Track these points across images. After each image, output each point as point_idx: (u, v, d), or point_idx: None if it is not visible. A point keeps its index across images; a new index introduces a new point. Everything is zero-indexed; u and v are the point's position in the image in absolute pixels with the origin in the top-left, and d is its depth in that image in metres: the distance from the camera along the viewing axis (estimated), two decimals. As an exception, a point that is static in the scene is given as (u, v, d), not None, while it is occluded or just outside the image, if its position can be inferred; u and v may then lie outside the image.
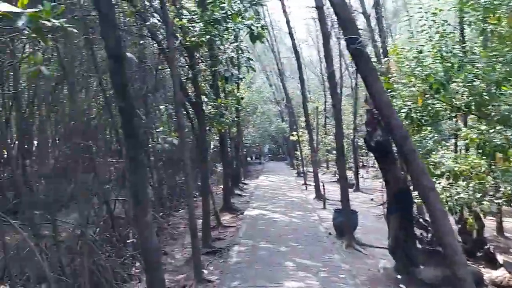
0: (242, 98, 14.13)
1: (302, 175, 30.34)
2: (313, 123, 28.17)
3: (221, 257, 10.35)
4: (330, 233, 12.37)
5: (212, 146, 30.45)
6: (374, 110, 8.25)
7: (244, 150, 35.28)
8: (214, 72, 12.48)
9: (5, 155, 14.86)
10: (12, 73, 14.03)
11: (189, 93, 12.20)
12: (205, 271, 9.17)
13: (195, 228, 8.65)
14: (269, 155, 56.87)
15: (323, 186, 17.97)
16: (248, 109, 30.61)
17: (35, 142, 18.45)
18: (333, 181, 29.12)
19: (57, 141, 18.32)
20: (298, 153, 31.82)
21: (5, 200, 13.59)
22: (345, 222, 11.20)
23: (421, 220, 9.00)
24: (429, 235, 8.65)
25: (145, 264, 6.46)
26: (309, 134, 21.48)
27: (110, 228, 11.36)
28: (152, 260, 6.14)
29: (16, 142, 16.39)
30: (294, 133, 30.84)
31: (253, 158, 51.57)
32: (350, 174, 29.18)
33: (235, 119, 18.39)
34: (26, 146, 17.06)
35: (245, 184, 27.60)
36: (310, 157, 21.69)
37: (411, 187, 8.23)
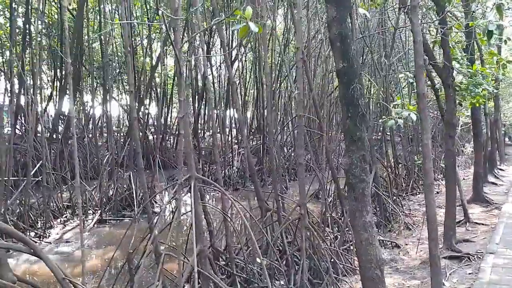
0: (509, 62, 10.72)
1: None
2: None
3: (469, 266, 8.03)
4: None
5: (460, 123, 26.35)
6: None
7: (503, 129, 29.35)
8: (470, 30, 9.74)
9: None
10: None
11: (435, 58, 9.92)
12: (447, 284, 7.14)
13: (435, 229, 6.66)
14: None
15: None
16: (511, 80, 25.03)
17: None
18: None
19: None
20: None
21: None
22: None
23: None
24: None
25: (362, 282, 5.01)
26: None
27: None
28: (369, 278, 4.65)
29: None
30: None
31: (513, 138, 43.10)
32: None
33: (494, 91, 14.69)
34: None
35: (502, 170, 22.76)
36: None
37: None
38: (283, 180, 17.46)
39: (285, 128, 19.97)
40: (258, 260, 7.28)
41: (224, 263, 8.16)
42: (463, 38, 12.22)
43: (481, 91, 11.93)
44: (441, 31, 9.39)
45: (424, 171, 6.98)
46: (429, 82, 11.73)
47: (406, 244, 10.46)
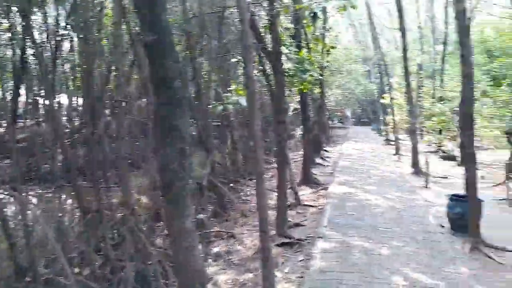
0: (333, 47, 11.28)
1: (392, 143, 26.88)
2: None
3: (300, 253, 8.02)
4: (442, 226, 9.50)
5: (291, 108, 27.94)
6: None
7: (327, 113, 32.24)
8: (297, 13, 9.79)
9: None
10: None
11: (265, 41, 9.72)
12: (279, 275, 6.91)
13: (265, 220, 6.31)
14: (353, 119, 53.01)
15: (426, 159, 14.76)
16: (333, 68, 27.40)
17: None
18: (430, 152, 25.46)
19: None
20: (388, 118, 28.26)
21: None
22: (473, 216, 8.22)
23: None
24: None
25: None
26: (408, 96, 18.00)
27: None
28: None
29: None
30: (386, 95, 27.24)
31: (336, 122, 48.16)
32: (450, 145, 25.22)
33: (319, 77, 15.60)
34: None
35: (327, 151, 24.87)
36: (410, 123, 18.23)
37: None
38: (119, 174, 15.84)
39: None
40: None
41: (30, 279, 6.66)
42: (293, 25, 12.45)
43: (308, 77, 12.35)
44: (270, 15, 9.20)
45: (255, 159, 6.58)
46: (260, 67, 11.64)
47: (242, 233, 10.19)
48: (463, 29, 7.89)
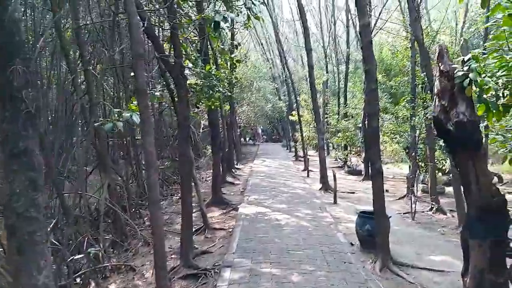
0: (239, 61, 10.87)
1: (301, 159, 27.28)
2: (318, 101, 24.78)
3: (206, 285, 7.22)
4: (352, 244, 9.32)
5: (202, 125, 27.20)
6: (453, 70, 5.13)
7: (238, 130, 31.99)
8: (201, 24, 9.17)
9: None
10: None
11: (166, 53, 8.93)
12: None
13: (162, 255, 5.46)
14: (264, 136, 53.66)
15: (334, 175, 14.83)
16: (243, 85, 27.27)
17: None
18: (337, 167, 26.21)
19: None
20: (297, 134, 28.74)
21: None
22: (381, 234, 8.07)
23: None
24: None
25: None
26: (315, 113, 18.22)
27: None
28: None
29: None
30: (294, 112, 27.69)
31: (248, 139, 48.29)
32: (355, 160, 26.20)
33: (228, 93, 15.16)
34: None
35: (239, 169, 24.45)
36: (317, 140, 18.40)
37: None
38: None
39: None
40: None
41: None
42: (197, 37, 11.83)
43: (216, 94, 11.75)
44: (170, 24, 8.47)
45: (148, 184, 5.72)
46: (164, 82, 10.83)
47: (143, 265, 9.14)
48: (367, 44, 7.83)
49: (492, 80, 4.80)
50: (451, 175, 18.77)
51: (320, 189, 17.17)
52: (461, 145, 5.16)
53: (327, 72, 32.44)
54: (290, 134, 37.12)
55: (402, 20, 17.04)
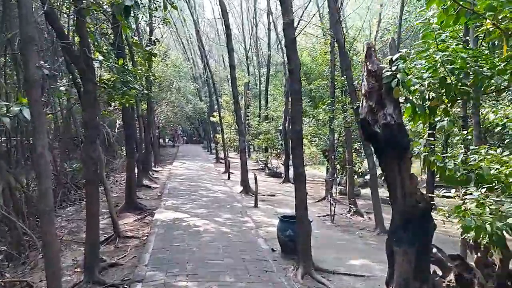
0: (154, 55, 10.10)
1: (222, 161, 26.83)
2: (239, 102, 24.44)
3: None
4: (273, 249, 8.99)
5: (117, 125, 25.63)
6: (381, 70, 4.94)
7: (157, 131, 30.69)
8: (113, 11, 8.27)
9: None
10: None
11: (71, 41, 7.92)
12: None
13: (55, 273, 4.62)
14: (184, 138, 52.47)
15: (255, 178, 14.53)
16: (162, 84, 26.18)
17: None
18: (258, 169, 26.14)
19: None
20: (218, 136, 28.26)
21: None
22: (303, 239, 7.79)
23: (438, 253, 5.82)
24: (452, 274, 5.52)
25: None
26: (237, 114, 17.82)
27: None
28: None
29: None
30: (216, 113, 27.16)
31: (167, 140, 46.80)
32: (275, 162, 26.27)
33: (145, 92, 14.19)
34: None
35: (157, 171, 23.34)
36: (238, 142, 18.04)
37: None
38: None
39: None
40: None
41: None
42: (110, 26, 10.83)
43: (131, 91, 10.83)
44: (74, 10, 7.50)
45: (39, 192, 4.82)
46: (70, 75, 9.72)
47: (41, 280, 8.03)
48: (291, 42, 7.52)
49: (419, 82, 4.64)
50: (366, 177, 19.49)
51: (241, 192, 16.80)
52: (388, 148, 4.96)
53: (248, 74, 32.36)
54: (211, 136, 36.51)
55: (322, 24, 17.30)
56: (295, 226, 8.18)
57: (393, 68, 4.76)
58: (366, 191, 19.72)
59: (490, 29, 4.28)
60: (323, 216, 13.25)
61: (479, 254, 5.92)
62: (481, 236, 4.77)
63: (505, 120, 6.26)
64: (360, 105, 5.12)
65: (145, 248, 8.81)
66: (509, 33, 4.17)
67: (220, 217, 11.70)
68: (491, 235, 4.63)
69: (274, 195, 16.85)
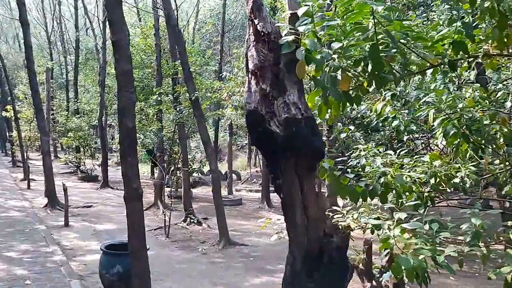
0: None
1: (20, 165, 21.90)
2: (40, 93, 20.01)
3: None
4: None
5: None
6: (277, 34, 3.12)
7: None
8: None
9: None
10: None
11: None
12: None
13: None
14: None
15: (64, 188, 11.38)
16: None
17: None
18: (68, 173, 22.18)
19: None
20: (14, 134, 23.10)
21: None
22: (139, 281, 5.51)
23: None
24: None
25: None
26: (36, 107, 14.01)
27: None
28: None
29: None
30: (9, 106, 21.96)
31: None
32: (90, 163, 22.56)
33: None
34: None
35: None
36: (42, 141, 14.29)
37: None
38: None
39: None
40: None
41: None
42: None
43: None
44: None
45: None
46: None
47: None
48: (114, 4, 5.13)
49: (340, 54, 2.93)
50: (194, 174, 17.90)
51: (46, 206, 13.28)
52: (290, 156, 3.18)
53: (52, 60, 27.48)
54: (7, 134, 30.08)
55: None
56: (127, 259, 5.84)
57: (299, 30, 2.97)
58: (197, 191, 18.17)
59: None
60: (154, 229, 11.01)
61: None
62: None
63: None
64: (246, 88, 3.21)
65: None
66: None
67: (14, 251, 8.39)
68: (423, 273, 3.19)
69: (91, 206, 13.84)
